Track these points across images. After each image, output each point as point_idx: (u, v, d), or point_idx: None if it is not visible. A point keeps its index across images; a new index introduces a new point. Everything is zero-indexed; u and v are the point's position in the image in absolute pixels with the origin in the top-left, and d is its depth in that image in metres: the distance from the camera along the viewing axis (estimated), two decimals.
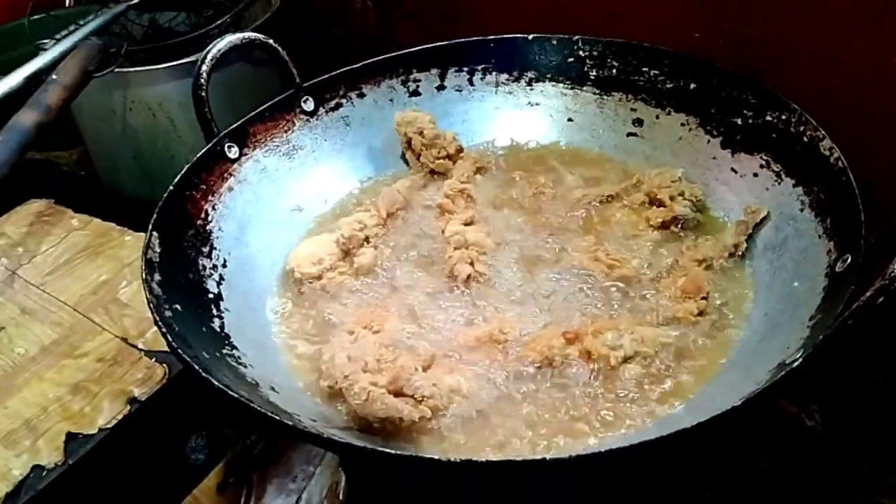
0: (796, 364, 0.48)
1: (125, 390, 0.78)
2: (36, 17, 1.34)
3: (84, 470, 0.73)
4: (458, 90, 0.85)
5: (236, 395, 0.50)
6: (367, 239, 0.73)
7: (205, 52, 0.73)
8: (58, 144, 1.35)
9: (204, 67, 0.73)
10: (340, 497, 0.80)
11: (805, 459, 0.78)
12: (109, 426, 0.75)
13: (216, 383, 0.50)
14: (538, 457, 0.50)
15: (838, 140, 0.64)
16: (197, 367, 0.52)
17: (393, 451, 0.46)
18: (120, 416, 0.76)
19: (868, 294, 0.47)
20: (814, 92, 0.70)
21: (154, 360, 0.81)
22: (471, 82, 0.85)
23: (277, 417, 0.48)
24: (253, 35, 0.76)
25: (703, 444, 0.75)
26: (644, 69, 0.80)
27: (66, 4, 1.41)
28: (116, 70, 1.03)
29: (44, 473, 0.72)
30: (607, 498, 0.64)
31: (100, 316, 0.88)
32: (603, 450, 0.45)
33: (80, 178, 1.30)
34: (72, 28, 1.10)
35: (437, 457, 0.45)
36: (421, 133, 0.80)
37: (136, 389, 0.78)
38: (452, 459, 0.44)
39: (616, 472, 0.62)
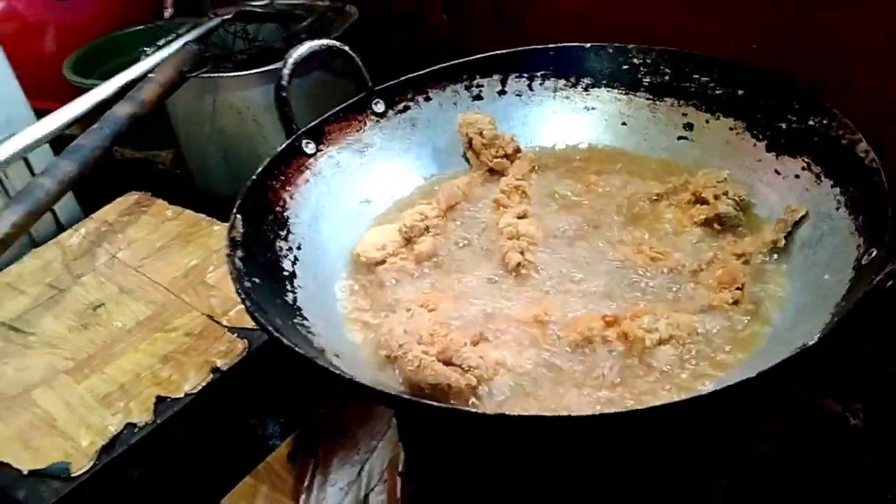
0: (812, 343, 0.52)
1: (209, 361, 0.87)
2: (139, 27, 1.47)
3: (171, 429, 0.82)
4: (518, 95, 0.91)
5: (303, 353, 0.57)
6: (427, 229, 0.79)
7: (287, 56, 0.81)
8: (156, 145, 1.47)
9: (286, 70, 0.81)
10: (400, 469, 0.87)
11: (841, 453, 0.80)
12: (194, 391, 0.84)
13: (286, 341, 0.57)
14: (563, 413, 0.55)
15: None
16: (271, 329, 0.59)
17: (434, 403, 0.52)
18: (204, 384, 0.85)
19: (879, 277, 0.50)
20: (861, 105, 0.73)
21: (236, 335, 0.90)
22: (530, 87, 0.91)
23: (338, 372, 0.55)
24: (330, 42, 0.84)
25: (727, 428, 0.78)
26: (695, 76, 0.84)
27: (165, 17, 1.54)
28: (208, 75, 1.13)
29: (136, 430, 0.81)
30: (629, 471, 0.68)
31: (189, 296, 0.97)
32: (626, 410, 0.49)
33: (175, 175, 1.41)
34: (171, 37, 1.21)
35: (472, 410, 0.50)
36: (481, 133, 0.86)
37: (219, 361, 0.87)
38: (487, 413, 0.50)
39: (638, 442, 0.66)
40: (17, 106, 1.14)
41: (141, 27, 1.50)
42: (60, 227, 1.17)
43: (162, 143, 1.47)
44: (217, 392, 0.86)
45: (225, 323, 0.92)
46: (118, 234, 1.10)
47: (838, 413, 0.85)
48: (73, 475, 0.77)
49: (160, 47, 1.18)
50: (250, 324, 0.91)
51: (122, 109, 1.02)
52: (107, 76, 1.13)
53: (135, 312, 0.96)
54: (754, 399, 0.80)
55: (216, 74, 1.14)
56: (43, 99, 1.20)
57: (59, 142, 1.08)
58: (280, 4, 1.30)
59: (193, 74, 1.11)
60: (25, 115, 1.14)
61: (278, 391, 0.93)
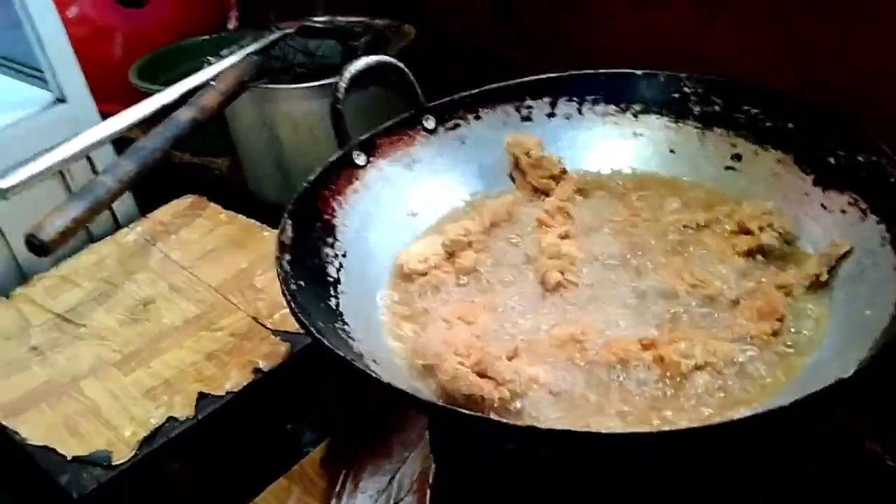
0: (847, 377, 0.52)
1: (252, 361, 0.90)
2: (204, 37, 1.52)
3: (211, 425, 0.85)
4: (567, 118, 0.92)
5: (343, 355, 0.59)
6: (470, 244, 0.81)
7: (343, 70, 0.84)
8: (213, 151, 1.52)
9: (342, 84, 0.84)
10: (430, 481, 0.88)
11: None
12: (236, 390, 0.87)
13: (327, 343, 0.59)
14: (593, 430, 0.56)
15: None
16: (313, 330, 0.61)
17: (466, 412, 0.53)
18: (245, 383, 0.87)
19: None
20: None
21: (280, 338, 0.92)
22: (580, 111, 0.92)
23: (375, 375, 0.57)
24: (385, 58, 0.87)
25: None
26: (745, 107, 0.84)
27: (229, 28, 1.59)
28: (268, 86, 1.17)
29: (177, 424, 0.84)
30: (658, 487, 0.68)
31: (236, 297, 1.00)
32: (653, 430, 0.50)
33: (231, 182, 1.45)
34: (234, 48, 1.25)
35: (503, 420, 0.51)
36: (528, 154, 0.87)
37: (262, 361, 0.89)
38: (518, 424, 0.51)
39: (670, 466, 0.66)
40: (85, 107, 1.19)
41: (206, 37, 1.56)
42: (118, 225, 1.21)
43: (219, 150, 1.51)
44: (258, 392, 0.88)
45: (269, 326, 0.95)
46: (172, 234, 1.14)
47: (877, 452, 0.84)
48: (114, 464, 0.79)
49: (223, 57, 1.22)
50: (294, 327, 0.93)
51: (184, 114, 1.06)
52: (170, 83, 1.17)
53: (183, 310, 0.99)
54: (790, 429, 0.80)
55: (275, 86, 1.18)
56: (108, 102, 1.25)
57: (121, 144, 1.13)
58: (340, 21, 1.33)
59: (253, 85, 1.15)
60: (92, 116, 1.18)
61: (317, 396, 0.95)
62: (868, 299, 0.65)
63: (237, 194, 1.38)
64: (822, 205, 0.76)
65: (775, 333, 0.67)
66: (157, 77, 1.46)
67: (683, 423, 0.58)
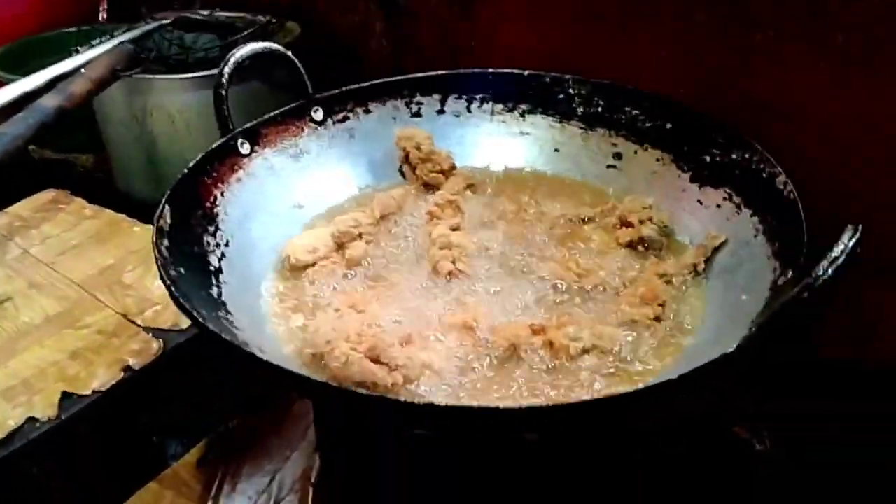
0: (730, 351, 0.54)
1: (121, 359, 0.84)
2: (71, 29, 1.44)
3: (76, 426, 0.79)
4: (456, 115, 0.93)
5: (229, 340, 0.56)
6: (360, 235, 0.79)
7: (228, 55, 0.81)
8: (76, 147, 1.43)
9: (227, 69, 0.80)
10: (312, 480, 0.85)
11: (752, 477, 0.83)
12: (103, 389, 0.81)
13: (212, 328, 0.56)
14: (492, 405, 0.55)
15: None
16: (196, 315, 0.57)
17: (361, 392, 0.51)
18: (114, 381, 0.81)
19: (796, 290, 0.53)
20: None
21: (151, 335, 0.87)
22: (469, 109, 0.93)
23: (265, 359, 0.54)
24: (273, 45, 0.84)
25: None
26: (626, 108, 0.87)
27: (99, 20, 1.51)
28: (142, 76, 1.11)
29: (37, 425, 0.77)
30: (553, 482, 0.68)
31: (104, 294, 0.94)
32: (550, 404, 0.50)
33: (96, 179, 1.37)
34: (105, 38, 1.19)
35: (400, 399, 0.50)
36: (418, 148, 0.87)
37: (132, 359, 0.84)
38: (415, 402, 0.50)
39: (562, 451, 0.67)
40: None
41: (73, 29, 1.46)
42: None
43: (82, 145, 1.43)
44: (128, 392, 0.82)
45: (139, 323, 0.89)
46: (32, 229, 1.06)
47: (746, 439, 0.88)
48: None
49: (93, 46, 1.16)
50: (166, 324, 0.89)
51: (50, 101, 0.99)
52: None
53: (44, 308, 0.92)
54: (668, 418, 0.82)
55: (151, 76, 1.12)
56: None
57: None
58: (221, 16, 1.29)
59: (127, 74, 1.09)
60: None
61: (191, 395, 0.90)
62: (744, 286, 0.68)
63: (103, 192, 1.30)
64: (699, 200, 0.80)
65: (657, 318, 0.69)
66: (17, 68, 1.35)
67: (575, 397, 0.59)
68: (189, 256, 0.70)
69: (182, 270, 0.66)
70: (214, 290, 0.70)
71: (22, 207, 1.11)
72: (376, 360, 0.62)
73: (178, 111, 1.14)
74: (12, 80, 1.13)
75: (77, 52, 1.16)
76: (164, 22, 1.23)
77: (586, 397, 0.52)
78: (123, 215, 1.08)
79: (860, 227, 0.53)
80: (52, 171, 1.40)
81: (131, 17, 1.33)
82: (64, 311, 0.91)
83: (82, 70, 1.05)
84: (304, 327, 0.69)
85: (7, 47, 1.41)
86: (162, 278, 0.63)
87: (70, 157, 1.42)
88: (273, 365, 0.54)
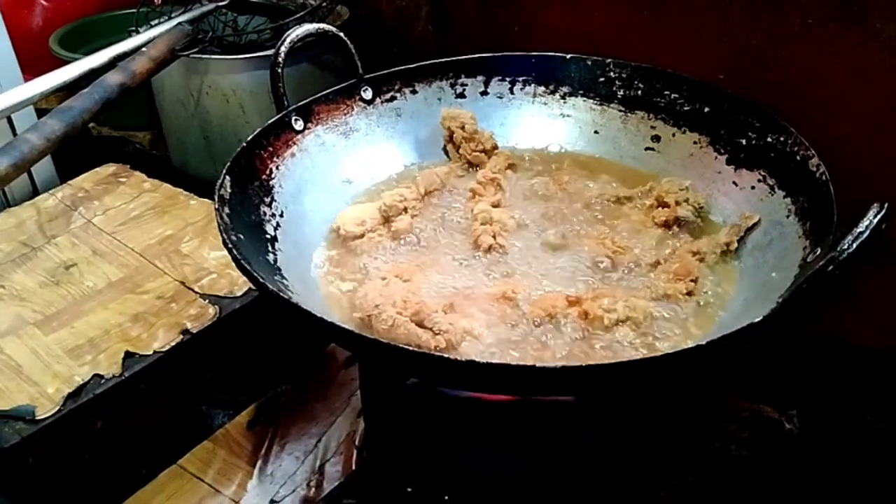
0: (758, 321, 0.57)
1: (179, 323, 0.89)
2: (129, 10, 1.49)
3: (138, 384, 0.84)
4: (499, 97, 0.96)
5: (287, 298, 0.60)
6: (405, 209, 0.83)
7: (284, 35, 0.85)
8: (133, 126, 1.49)
9: (283, 48, 0.85)
10: (357, 443, 0.89)
11: (781, 455, 0.86)
12: (163, 350, 0.86)
13: (272, 287, 0.61)
14: (528, 363, 0.59)
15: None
16: (256, 275, 0.62)
17: (410, 348, 0.55)
18: (173, 343, 0.87)
19: (821, 263, 0.56)
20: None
21: (207, 301, 0.92)
22: (511, 91, 0.96)
23: (320, 316, 0.58)
24: (326, 26, 0.88)
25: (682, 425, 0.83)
26: (665, 92, 0.90)
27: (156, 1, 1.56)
28: (199, 56, 1.16)
29: (102, 381, 0.82)
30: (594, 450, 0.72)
31: (162, 262, 0.99)
32: (589, 364, 0.54)
33: (152, 155, 1.43)
34: (163, 19, 1.24)
35: (444, 355, 0.54)
36: (462, 127, 0.91)
37: (189, 323, 0.89)
38: (459, 358, 0.54)
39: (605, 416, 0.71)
40: (9, 69, 1.15)
41: (131, 10, 1.52)
42: (36, 192, 1.18)
43: (140, 124, 1.49)
44: (185, 353, 0.87)
45: (197, 289, 0.94)
46: (95, 200, 1.12)
47: (775, 419, 0.90)
48: (37, 418, 0.78)
49: (152, 26, 1.21)
50: (221, 291, 0.94)
51: (113, 78, 1.04)
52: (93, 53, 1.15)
53: (107, 273, 0.98)
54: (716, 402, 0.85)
55: (207, 56, 1.17)
56: (28, 74, 1.21)
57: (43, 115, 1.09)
58: None
59: (185, 53, 1.14)
60: (15, 78, 1.15)
61: (244, 360, 0.95)
62: (774, 264, 0.71)
63: (160, 168, 1.36)
64: (734, 182, 0.82)
65: (690, 293, 0.72)
66: (78, 48, 1.42)
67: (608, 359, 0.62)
68: (247, 224, 0.75)
69: (241, 237, 0.71)
70: (270, 257, 0.74)
71: (84, 180, 1.17)
72: (421, 325, 0.67)
73: (232, 90, 1.19)
74: (75, 59, 1.19)
75: (137, 32, 1.22)
76: (220, 4, 1.27)
77: (616, 360, 0.55)
78: (181, 189, 1.13)
79: (886, 205, 0.56)
80: (110, 148, 1.46)
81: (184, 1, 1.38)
82: (125, 277, 0.97)
83: (143, 49, 1.11)
84: (353, 293, 0.73)
85: (69, 27, 1.48)
86: (224, 243, 0.67)
87: (127, 134, 1.48)
88: (329, 323, 0.58)
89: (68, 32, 1.46)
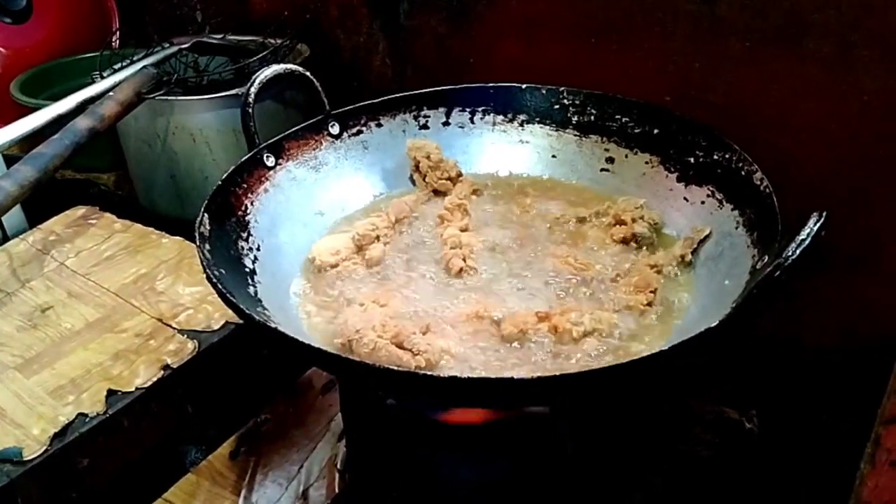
0: (714, 326, 0.62)
1: (160, 359, 0.91)
2: (90, 54, 1.51)
3: (122, 420, 0.86)
4: (460, 127, 1.01)
5: (275, 326, 0.63)
6: (378, 237, 0.87)
7: (254, 77, 0.89)
8: (96, 168, 1.51)
9: (252, 89, 0.88)
10: (339, 466, 0.92)
11: (743, 454, 0.91)
12: (145, 386, 0.88)
13: (258, 318, 0.64)
14: (506, 376, 0.63)
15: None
16: (243, 307, 0.65)
17: (394, 368, 0.59)
18: (154, 379, 0.89)
19: (768, 269, 0.61)
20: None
21: (186, 336, 0.94)
22: (472, 121, 1.01)
23: (308, 343, 0.62)
24: (293, 66, 0.92)
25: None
26: (617, 116, 0.95)
27: (113, 45, 1.58)
28: (165, 97, 1.19)
29: (87, 420, 0.84)
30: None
31: (139, 301, 1.01)
32: (564, 373, 0.58)
33: (118, 196, 1.44)
34: (126, 63, 1.27)
35: (427, 373, 0.57)
36: (428, 157, 0.95)
37: (169, 359, 0.91)
38: (441, 375, 0.57)
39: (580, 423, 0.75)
40: None
41: (92, 54, 1.54)
42: (6, 238, 1.18)
43: (103, 166, 1.50)
44: (167, 388, 0.89)
45: (174, 325, 0.96)
46: (66, 243, 1.13)
47: (736, 420, 0.96)
48: (25, 459, 0.79)
49: (115, 70, 1.24)
50: (199, 325, 0.96)
51: (83, 123, 1.07)
52: (55, 99, 1.17)
53: (84, 314, 0.99)
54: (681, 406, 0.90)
55: (173, 98, 1.20)
56: None
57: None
58: (233, 40, 1.37)
59: (151, 96, 1.17)
60: None
61: (223, 392, 0.97)
62: (727, 272, 0.76)
63: (126, 208, 1.37)
64: (685, 198, 0.88)
65: (650, 304, 0.77)
66: (38, 94, 1.43)
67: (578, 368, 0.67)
68: (227, 259, 0.78)
69: (223, 271, 0.74)
70: (251, 289, 0.77)
71: (54, 224, 1.18)
72: (400, 346, 0.70)
73: (199, 129, 1.21)
74: (37, 105, 1.21)
75: (100, 76, 1.24)
76: (183, 46, 1.31)
77: (588, 368, 0.59)
78: (151, 228, 1.16)
79: (825, 213, 0.61)
80: (75, 191, 1.48)
81: (141, 43, 1.40)
82: (103, 317, 0.99)
83: (110, 94, 1.13)
84: (332, 320, 0.77)
85: (29, 73, 1.49)
86: (208, 278, 0.70)
87: (91, 176, 1.50)
88: (317, 349, 0.61)
89: (29, 78, 1.47)
